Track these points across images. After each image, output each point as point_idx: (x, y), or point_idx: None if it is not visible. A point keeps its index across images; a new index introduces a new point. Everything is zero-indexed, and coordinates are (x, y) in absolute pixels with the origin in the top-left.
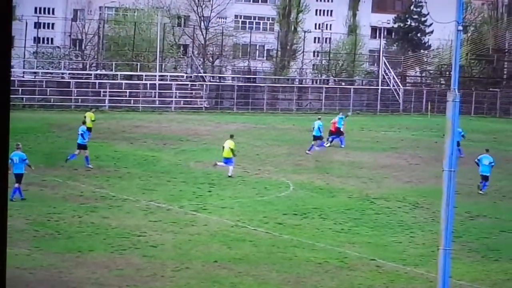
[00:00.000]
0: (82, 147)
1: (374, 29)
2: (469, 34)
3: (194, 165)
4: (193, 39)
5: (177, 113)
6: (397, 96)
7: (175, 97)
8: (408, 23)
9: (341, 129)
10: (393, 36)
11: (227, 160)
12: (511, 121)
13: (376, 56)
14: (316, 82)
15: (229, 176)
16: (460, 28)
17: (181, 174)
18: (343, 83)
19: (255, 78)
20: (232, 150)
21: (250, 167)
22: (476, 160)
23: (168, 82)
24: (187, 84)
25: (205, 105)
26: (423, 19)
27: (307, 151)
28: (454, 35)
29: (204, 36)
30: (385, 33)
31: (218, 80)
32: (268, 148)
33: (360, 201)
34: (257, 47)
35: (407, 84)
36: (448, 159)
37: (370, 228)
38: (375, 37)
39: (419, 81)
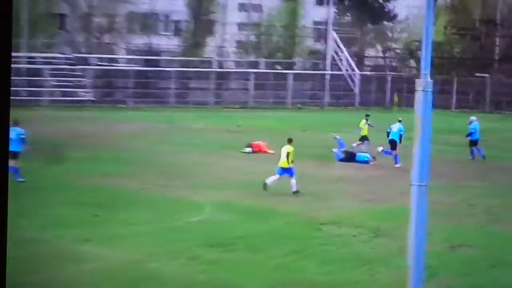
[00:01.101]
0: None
1: None
2: (449, 0)
3: (75, 180)
4: (72, 7)
5: (52, 108)
6: (351, 84)
7: (49, 87)
8: None
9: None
10: (346, 3)
11: (286, 171)
12: (506, 117)
13: (324, 30)
14: (242, 66)
15: (296, 192)
16: None
17: (59, 192)
18: (278, 67)
19: (158, 60)
20: (288, 156)
21: (152, 181)
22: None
23: (38, 66)
24: (65, 69)
25: (91, 98)
26: None
27: (396, 165)
28: (426, 0)
29: (88, 3)
30: None
31: (107, 63)
32: (175, 156)
33: (303, 227)
34: (161, 18)
35: (366, 68)
36: (418, 169)
37: (316, 263)
38: (322, 4)
39: (382, 63)
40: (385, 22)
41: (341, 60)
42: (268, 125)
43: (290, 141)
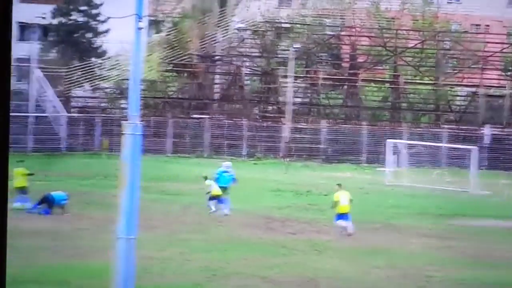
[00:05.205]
0: None
1: (22, 27)
2: (164, 34)
3: None
4: None
5: None
6: (57, 128)
7: None
8: (74, 17)
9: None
10: (51, 38)
11: (345, 216)
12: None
13: (27, 68)
14: None
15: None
16: (142, 24)
17: None
18: None
19: None
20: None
21: None
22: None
23: None
24: None
25: None
26: (94, 11)
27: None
28: (135, 34)
29: None
30: (41, 32)
31: None
32: None
33: None
34: None
35: (73, 110)
36: (125, 221)
37: None
38: (24, 40)
39: (91, 104)
40: (94, 59)
41: (46, 101)
42: None
43: (340, 185)
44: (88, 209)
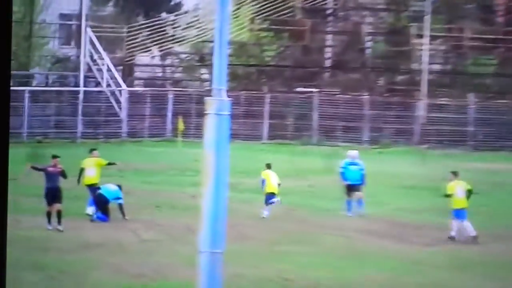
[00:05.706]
0: None
1: None
2: None
3: None
4: None
5: None
6: (116, 106)
7: None
8: None
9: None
10: None
11: (462, 213)
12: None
13: (75, 27)
14: None
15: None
16: None
17: None
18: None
19: None
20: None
21: None
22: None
23: None
24: None
25: None
26: None
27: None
28: None
29: None
30: None
31: None
32: None
33: None
34: None
35: (137, 82)
36: (210, 230)
37: None
38: None
39: (160, 74)
40: (165, 14)
41: (100, 70)
42: None
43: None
44: (159, 214)
